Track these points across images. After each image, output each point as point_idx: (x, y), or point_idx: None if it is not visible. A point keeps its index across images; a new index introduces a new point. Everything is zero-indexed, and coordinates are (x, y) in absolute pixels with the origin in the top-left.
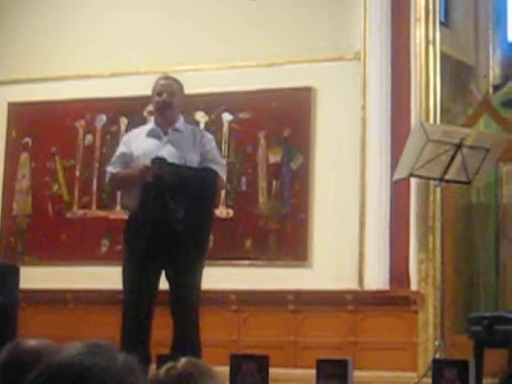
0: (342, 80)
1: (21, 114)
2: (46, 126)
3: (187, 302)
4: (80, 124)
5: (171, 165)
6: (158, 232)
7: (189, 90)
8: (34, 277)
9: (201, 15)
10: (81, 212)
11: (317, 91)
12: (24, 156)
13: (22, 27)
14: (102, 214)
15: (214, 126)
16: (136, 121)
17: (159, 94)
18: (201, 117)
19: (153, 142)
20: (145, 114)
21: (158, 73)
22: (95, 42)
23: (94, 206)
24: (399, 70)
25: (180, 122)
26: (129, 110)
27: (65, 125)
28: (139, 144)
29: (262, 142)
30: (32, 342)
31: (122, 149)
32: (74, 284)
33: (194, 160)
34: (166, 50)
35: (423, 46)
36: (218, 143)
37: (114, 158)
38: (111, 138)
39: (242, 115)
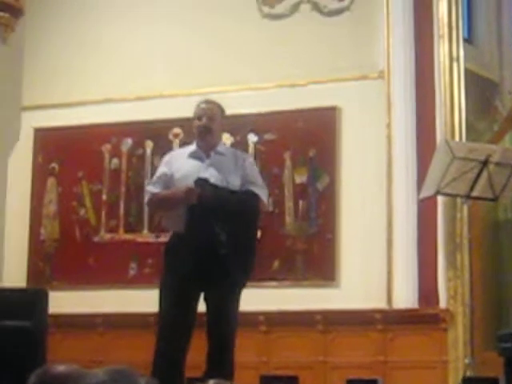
0: (366, 99)
1: (47, 139)
2: (72, 151)
3: (226, 325)
4: (106, 148)
5: (213, 186)
6: (201, 255)
7: None
8: (62, 301)
9: (224, 37)
10: (108, 236)
11: (342, 110)
12: (51, 181)
13: (46, 53)
14: (129, 237)
15: (239, 147)
16: (161, 144)
17: (199, 118)
18: (226, 138)
19: (195, 163)
20: (170, 136)
21: (182, 96)
22: (119, 66)
23: (121, 229)
24: (423, 88)
25: (221, 145)
26: (154, 134)
27: (91, 149)
28: (181, 165)
29: (288, 162)
30: (60, 368)
31: (163, 169)
32: (103, 308)
33: (235, 183)
34: (190, 72)
35: (447, 64)
36: None
37: (154, 178)
38: (137, 161)
39: (267, 136)
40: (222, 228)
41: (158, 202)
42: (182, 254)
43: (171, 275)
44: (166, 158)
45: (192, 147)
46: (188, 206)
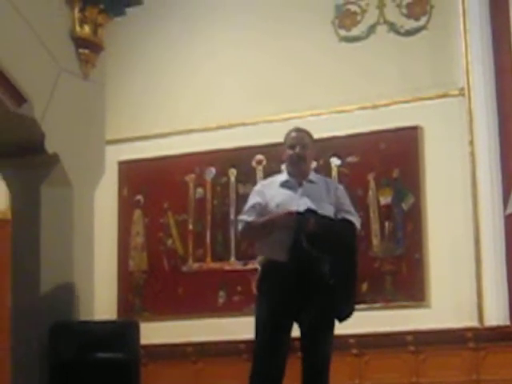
0: (448, 117)
1: (131, 171)
2: (156, 182)
3: (323, 353)
4: (190, 178)
5: (321, 217)
6: (303, 283)
7: None
8: (153, 332)
9: (302, 62)
10: (196, 265)
11: (424, 130)
12: (137, 213)
13: (127, 87)
14: (217, 266)
15: (322, 171)
16: (245, 171)
17: (292, 147)
18: None
19: (287, 193)
20: (253, 163)
21: (263, 122)
22: (200, 96)
23: (208, 258)
24: (505, 103)
25: (312, 173)
26: (237, 161)
27: (175, 180)
28: (274, 195)
29: (372, 184)
30: None
31: (256, 199)
32: (194, 337)
33: (329, 211)
34: (270, 99)
35: None
36: None
37: (247, 208)
38: (221, 189)
39: (350, 159)
40: (325, 258)
41: (253, 230)
42: (281, 281)
43: (267, 300)
44: (257, 187)
45: (282, 176)
46: (294, 234)
